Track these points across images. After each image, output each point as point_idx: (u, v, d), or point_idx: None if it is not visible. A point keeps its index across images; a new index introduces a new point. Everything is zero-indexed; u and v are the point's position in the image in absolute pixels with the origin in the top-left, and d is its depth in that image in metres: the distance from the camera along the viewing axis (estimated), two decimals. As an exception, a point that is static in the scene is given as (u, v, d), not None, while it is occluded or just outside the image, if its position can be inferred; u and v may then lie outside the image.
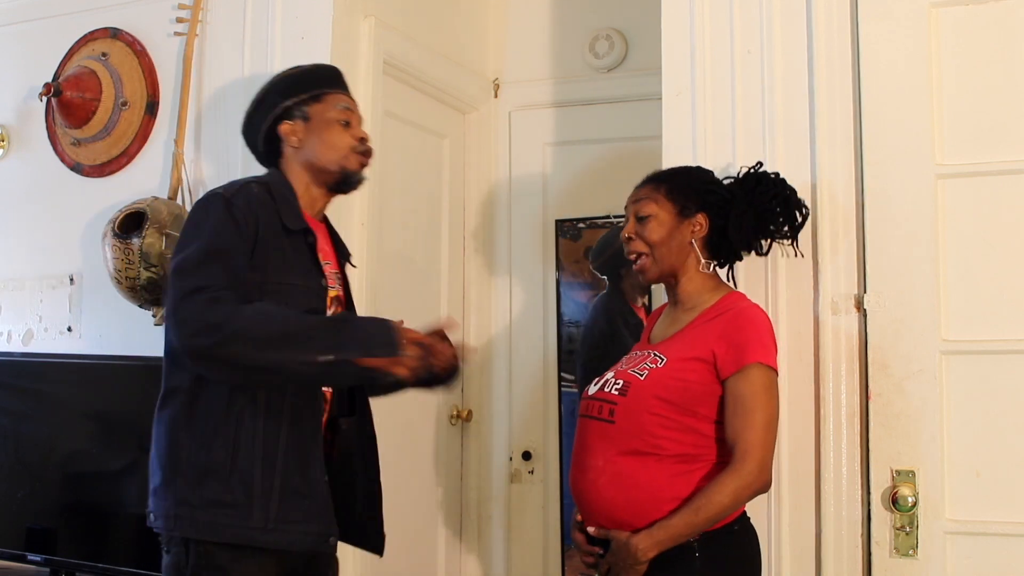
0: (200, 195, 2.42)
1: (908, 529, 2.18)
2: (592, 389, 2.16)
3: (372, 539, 2.28)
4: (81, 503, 2.89)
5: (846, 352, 2.28)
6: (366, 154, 2.21)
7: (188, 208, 2.86)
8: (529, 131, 3.69)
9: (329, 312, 2.14)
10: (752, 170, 2.21)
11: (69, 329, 3.20)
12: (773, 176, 2.19)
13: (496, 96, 3.72)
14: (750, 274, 2.29)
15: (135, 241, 2.81)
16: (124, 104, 3.14)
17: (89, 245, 3.12)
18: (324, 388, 2.14)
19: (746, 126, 2.40)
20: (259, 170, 2.26)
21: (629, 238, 2.17)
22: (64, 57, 3.28)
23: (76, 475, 2.92)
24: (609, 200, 3.38)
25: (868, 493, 2.23)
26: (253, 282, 2.00)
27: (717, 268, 2.21)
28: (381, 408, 3.02)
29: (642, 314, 3.40)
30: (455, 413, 3.55)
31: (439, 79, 3.41)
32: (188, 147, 3.02)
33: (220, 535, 1.97)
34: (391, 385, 2.18)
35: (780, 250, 2.27)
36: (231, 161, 2.85)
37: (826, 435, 2.27)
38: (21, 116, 3.37)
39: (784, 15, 2.39)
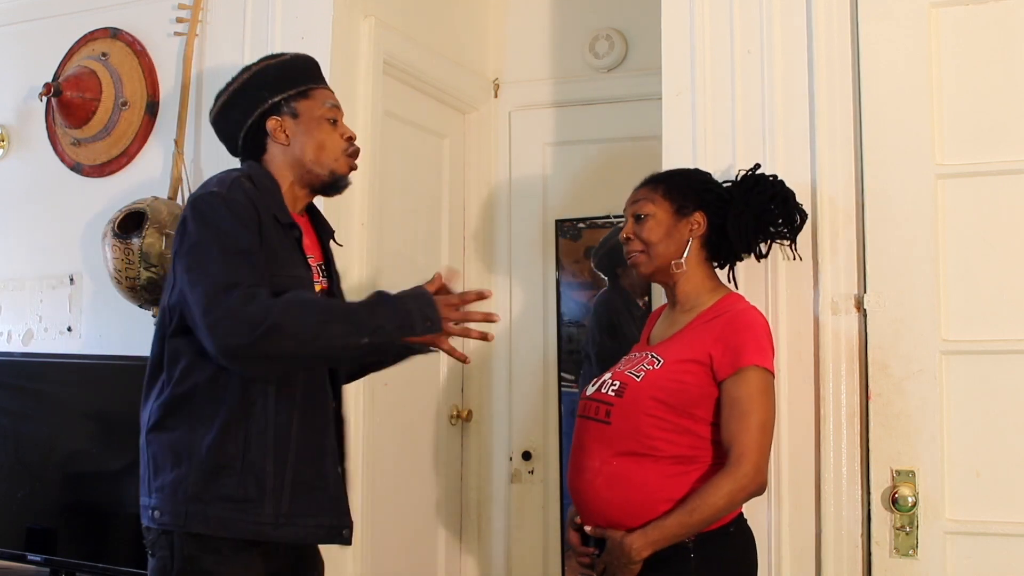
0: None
1: (908, 529, 2.18)
2: (590, 390, 2.16)
3: (338, 529, 2.19)
4: (81, 503, 2.89)
5: (846, 352, 2.28)
6: (354, 155, 2.17)
7: (188, 208, 2.86)
8: (529, 131, 3.69)
9: None
10: (750, 172, 2.22)
11: (69, 329, 3.20)
12: (771, 178, 2.20)
13: (496, 96, 3.72)
14: (750, 274, 2.29)
15: (135, 241, 2.81)
16: (124, 104, 3.14)
17: (89, 245, 3.12)
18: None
19: (746, 126, 2.40)
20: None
21: (628, 238, 2.18)
22: (64, 57, 3.28)
23: (76, 475, 2.92)
24: (609, 200, 3.38)
25: (868, 493, 2.23)
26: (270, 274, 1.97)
27: (717, 269, 2.22)
28: (381, 408, 3.04)
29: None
30: (455, 413, 3.55)
31: (439, 79, 3.41)
32: (188, 147, 3.02)
33: (232, 530, 1.95)
34: (405, 352, 2.19)
35: (780, 251, 2.27)
36: (231, 161, 2.84)
37: (826, 435, 2.27)
38: (21, 116, 3.37)
39: (784, 15, 2.39)
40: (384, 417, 3.06)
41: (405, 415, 3.27)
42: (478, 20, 3.71)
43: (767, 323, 2.12)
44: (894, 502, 2.19)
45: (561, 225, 3.63)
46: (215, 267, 1.92)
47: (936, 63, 2.27)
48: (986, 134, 2.24)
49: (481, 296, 2.03)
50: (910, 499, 2.17)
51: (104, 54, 3.19)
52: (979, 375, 2.19)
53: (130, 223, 2.86)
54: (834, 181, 2.32)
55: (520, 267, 3.66)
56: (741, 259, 2.22)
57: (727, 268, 2.23)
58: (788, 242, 2.22)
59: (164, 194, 2.99)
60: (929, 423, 2.19)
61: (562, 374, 3.58)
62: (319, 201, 2.26)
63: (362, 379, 2.44)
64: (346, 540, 2.07)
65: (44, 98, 3.14)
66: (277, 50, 2.83)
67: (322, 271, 2.18)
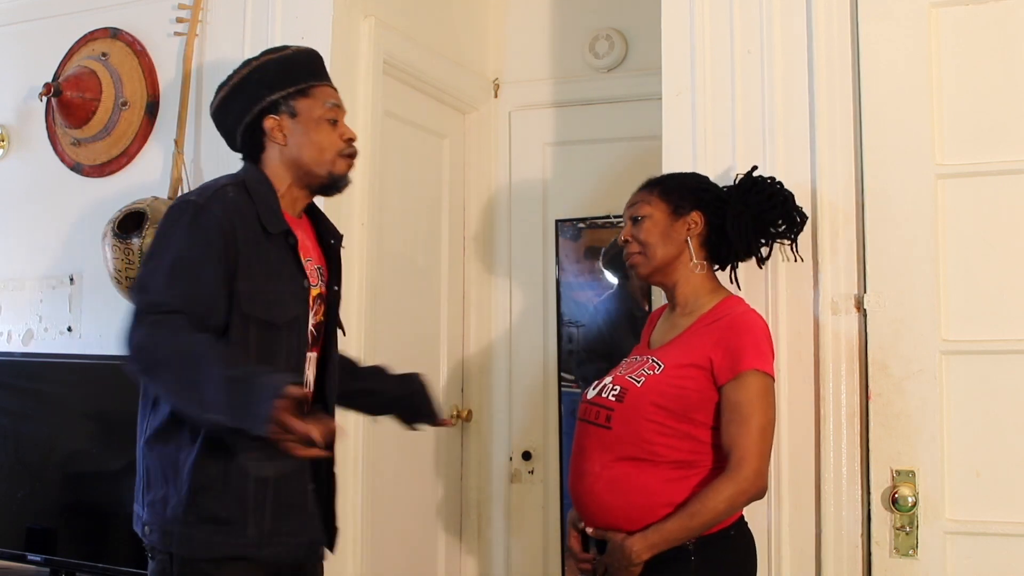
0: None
1: (908, 529, 2.18)
2: (590, 393, 2.16)
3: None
4: (81, 503, 2.89)
5: (846, 352, 2.28)
6: (353, 155, 2.14)
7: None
8: (529, 131, 3.69)
9: (312, 311, 2.10)
10: (748, 174, 2.22)
11: (69, 329, 3.20)
12: (769, 180, 2.20)
13: (496, 96, 3.72)
14: (750, 275, 2.29)
15: (135, 241, 2.81)
16: (124, 104, 3.14)
17: (89, 245, 3.12)
18: (308, 387, 2.11)
19: (746, 126, 2.40)
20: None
21: (626, 240, 2.19)
22: (64, 57, 3.28)
23: (76, 475, 2.92)
24: (609, 200, 3.39)
25: (868, 493, 2.23)
26: (243, 292, 1.95)
27: (718, 271, 2.21)
28: (381, 408, 3.03)
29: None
30: (455, 413, 3.55)
31: (439, 79, 3.41)
32: (188, 147, 3.02)
33: (214, 551, 1.95)
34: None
35: (780, 252, 2.27)
36: (231, 161, 2.83)
37: (826, 435, 2.27)
38: (21, 116, 3.37)
39: (784, 15, 2.39)
40: (384, 417, 3.06)
41: (405, 415, 3.27)
42: (478, 20, 3.71)
43: (767, 326, 2.12)
44: (894, 502, 2.19)
45: (561, 225, 3.63)
46: (154, 282, 1.93)
47: (936, 63, 2.27)
48: (986, 134, 2.24)
49: (330, 432, 1.82)
50: (910, 499, 2.17)
51: (104, 54, 3.19)
52: (979, 375, 2.19)
53: (130, 223, 2.86)
54: (834, 181, 2.32)
55: (520, 267, 3.66)
56: (742, 260, 2.22)
57: (729, 270, 2.23)
58: (789, 242, 2.22)
59: (164, 194, 2.99)
60: (929, 423, 2.19)
61: (562, 374, 3.58)
62: (319, 201, 2.25)
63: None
64: (321, 556, 2.06)
65: (44, 98, 3.14)
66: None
67: (320, 274, 2.17)
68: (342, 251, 2.26)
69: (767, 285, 2.33)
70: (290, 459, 1.82)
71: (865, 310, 2.26)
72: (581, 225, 3.61)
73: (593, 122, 3.62)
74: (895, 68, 2.29)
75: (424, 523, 3.40)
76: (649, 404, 2.04)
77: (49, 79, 3.21)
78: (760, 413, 2.01)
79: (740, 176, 2.23)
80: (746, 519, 2.11)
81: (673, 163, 2.41)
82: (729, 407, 2.02)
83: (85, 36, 3.27)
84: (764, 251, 2.19)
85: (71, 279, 3.22)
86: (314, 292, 2.13)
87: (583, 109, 3.64)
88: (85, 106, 3.14)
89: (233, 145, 2.18)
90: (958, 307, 2.21)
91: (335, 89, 2.18)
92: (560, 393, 3.58)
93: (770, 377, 2.05)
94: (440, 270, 3.51)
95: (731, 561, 2.07)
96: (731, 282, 2.22)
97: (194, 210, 1.97)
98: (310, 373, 2.13)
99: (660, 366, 2.08)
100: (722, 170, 2.37)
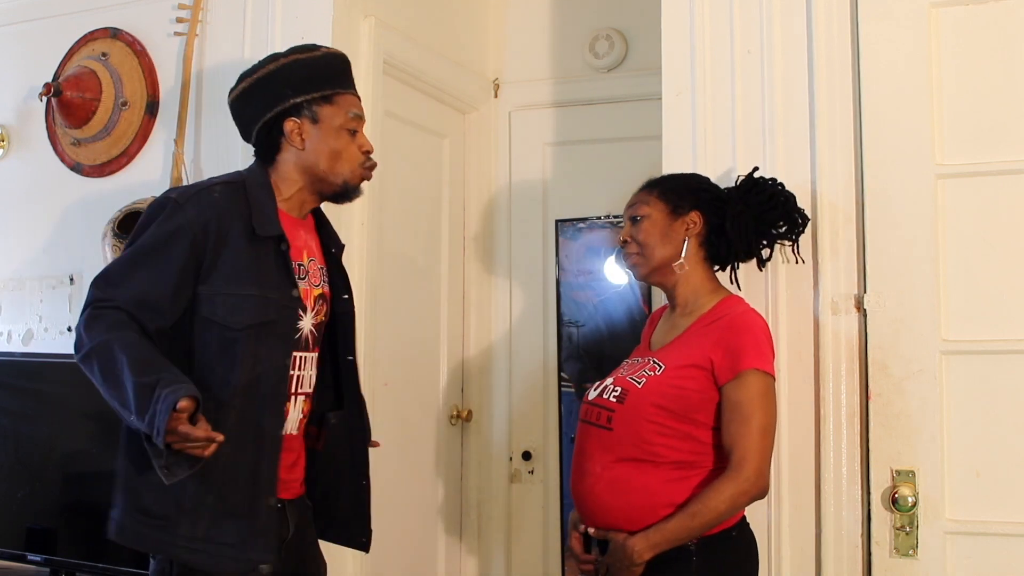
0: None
1: (908, 529, 2.18)
2: (592, 394, 2.16)
3: (356, 537, 2.22)
4: (81, 503, 2.89)
5: (846, 352, 2.28)
6: (370, 169, 2.14)
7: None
8: (529, 131, 3.69)
9: (310, 313, 2.09)
10: (749, 175, 2.22)
11: (69, 329, 3.20)
12: (770, 181, 2.20)
13: (496, 96, 3.72)
14: (750, 275, 2.29)
15: (135, 241, 2.81)
16: (124, 104, 3.14)
17: (89, 245, 3.12)
18: (303, 388, 2.11)
19: (746, 126, 2.40)
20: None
21: (624, 241, 2.19)
22: (64, 57, 3.28)
23: (76, 475, 2.91)
24: (609, 200, 3.39)
25: (868, 493, 2.23)
26: (202, 294, 1.95)
27: (718, 272, 2.21)
28: (382, 408, 3.03)
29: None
30: (455, 413, 3.55)
31: (439, 79, 3.41)
32: (188, 147, 3.02)
33: (145, 546, 1.95)
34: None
35: (781, 254, 2.27)
36: (231, 161, 2.85)
37: (826, 435, 2.27)
38: (21, 116, 3.37)
39: (784, 15, 2.39)
40: (384, 417, 3.06)
41: (405, 415, 3.27)
42: (478, 20, 3.71)
43: (767, 326, 2.12)
44: (894, 502, 2.19)
45: (561, 225, 3.63)
46: (106, 277, 1.95)
47: (936, 63, 2.27)
48: (986, 134, 2.24)
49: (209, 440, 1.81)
50: (910, 499, 2.17)
51: (104, 54, 3.19)
52: (979, 375, 2.19)
53: (130, 223, 2.86)
54: (834, 181, 2.32)
55: (520, 267, 3.66)
56: (742, 260, 2.22)
57: (729, 271, 2.23)
58: (790, 243, 2.22)
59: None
60: (929, 423, 2.19)
61: (562, 374, 3.58)
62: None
63: (362, 379, 2.44)
64: (264, 575, 1.96)
65: (44, 98, 3.14)
66: (277, 50, 2.84)
67: (323, 275, 2.17)
68: (349, 269, 2.27)
69: (767, 285, 2.33)
70: (197, 460, 1.84)
71: (865, 310, 2.26)
72: (581, 225, 3.61)
73: (593, 122, 3.62)
74: (895, 68, 2.29)
75: (424, 523, 3.40)
76: (650, 405, 2.04)
77: (49, 79, 3.21)
78: (761, 412, 2.01)
79: (741, 177, 2.23)
80: (748, 521, 2.11)
81: (673, 163, 2.41)
82: (730, 407, 2.02)
83: (85, 36, 3.27)
84: (765, 252, 2.19)
85: (71, 279, 3.22)
86: (315, 292, 2.12)
87: (583, 109, 3.64)
88: (85, 106, 3.13)
89: (247, 137, 2.16)
90: (958, 307, 2.21)
91: (359, 98, 2.17)
92: (560, 393, 3.58)
93: (770, 376, 2.04)
94: (440, 270, 3.51)
95: (732, 561, 2.07)
96: (731, 282, 2.22)
97: (170, 208, 1.97)
98: (305, 373, 2.11)
99: (661, 367, 2.08)
100: (722, 170, 2.37)
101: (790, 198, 2.19)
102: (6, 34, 3.43)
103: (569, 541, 2.18)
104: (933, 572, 2.17)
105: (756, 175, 2.22)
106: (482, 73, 3.68)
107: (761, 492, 2.01)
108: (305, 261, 2.11)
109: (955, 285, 2.22)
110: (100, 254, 2.93)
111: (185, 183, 2.98)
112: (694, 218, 2.15)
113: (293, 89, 2.07)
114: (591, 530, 2.09)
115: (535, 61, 3.69)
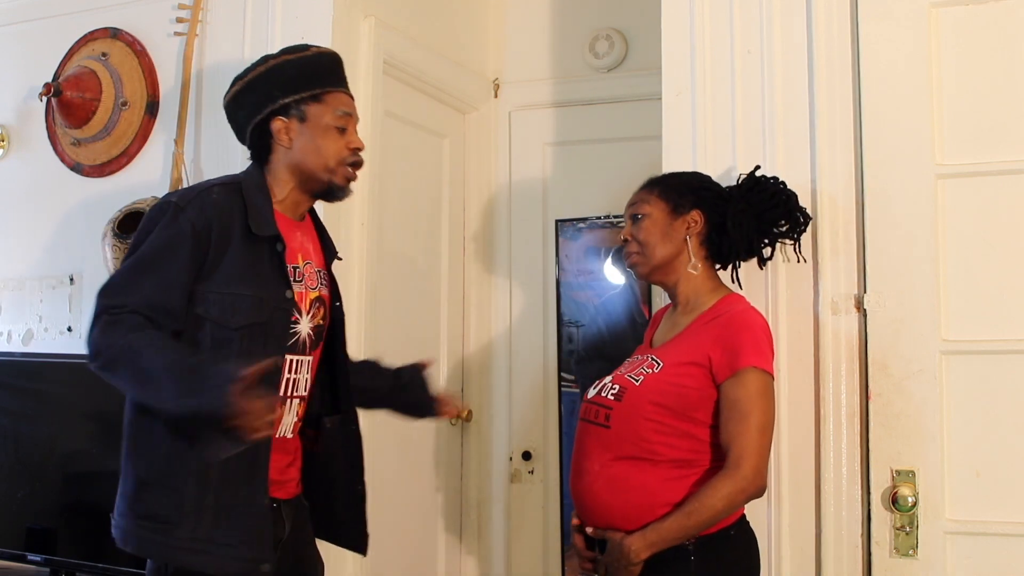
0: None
1: (908, 529, 2.18)
2: (591, 393, 2.16)
3: (353, 539, 2.22)
4: (81, 503, 2.89)
5: (846, 352, 2.28)
6: (355, 166, 2.12)
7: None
8: (529, 131, 3.69)
9: (307, 315, 2.09)
10: (751, 174, 2.22)
11: (69, 329, 3.20)
12: (771, 180, 2.20)
13: (496, 96, 3.72)
14: (750, 274, 2.29)
15: (135, 241, 2.81)
16: (124, 104, 3.14)
17: (89, 245, 3.12)
18: (297, 391, 2.10)
19: (746, 126, 2.40)
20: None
21: (625, 240, 2.19)
22: (64, 57, 3.28)
23: (76, 475, 2.91)
24: (609, 200, 3.39)
25: (868, 493, 2.23)
26: (198, 293, 1.95)
27: (720, 271, 2.21)
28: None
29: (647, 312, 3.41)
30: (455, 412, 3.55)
31: (439, 79, 3.41)
32: (188, 147, 3.02)
33: (146, 551, 1.95)
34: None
35: (781, 253, 2.27)
36: (231, 161, 2.85)
37: (826, 435, 2.27)
38: (21, 116, 3.37)
39: (784, 15, 2.39)
40: (384, 417, 3.06)
41: (405, 415, 3.27)
42: (478, 20, 3.71)
43: (766, 324, 2.11)
44: (894, 502, 2.19)
45: (561, 225, 3.63)
46: (114, 283, 1.95)
47: (936, 63, 2.27)
48: (986, 134, 2.24)
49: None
50: (910, 499, 2.17)
51: (104, 54, 3.19)
52: (979, 375, 2.19)
53: (130, 223, 2.86)
54: (834, 181, 2.32)
55: (520, 267, 3.66)
56: (743, 259, 2.22)
57: (731, 270, 2.23)
58: (791, 242, 2.22)
59: (164, 194, 2.99)
60: (929, 423, 2.19)
61: (562, 374, 3.58)
62: (319, 206, 2.25)
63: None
64: (265, 574, 1.97)
65: (44, 98, 3.14)
66: (277, 50, 2.83)
67: (321, 278, 2.17)
68: (340, 260, 2.26)
69: (767, 285, 2.33)
70: (242, 444, 1.82)
71: (865, 310, 2.26)
72: (581, 225, 3.61)
73: (593, 122, 3.62)
74: (895, 68, 2.29)
75: (424, 523, 3.40)
76: (648, 403, 2.04)
77: (49, 79, 3.21)
78: (759, 411, 2.00)
79: (743, 176, 2.23)
80: (748, 520, 2.11)
81: (673, 163, 2.41)
82: (728, 404, 2.01)
83: (85, 36, 3.27)
84: (767, 252, 2.19)
85: (71, 279, 3.22)
86: (312, 295, 2.12)
87: (583, 109, 3.64)
88: (85, 106, 3.14)
89: (243, 140, 2.17)
90: (958, 307, 2.21)
91: (351, 96, 2.16)
92: (560, 393, 3.57)
93: (769, 375, 2.04)
94: (440, 270, 3.51)
95: (731, 560, 2.06)
96: (732, 281, 2.23)
97: (171, 212, 1.97)
98: (299, 376, 2.11)
99: (659, 364, 2.08)
100: (722, 170, 2.37)
101: (792, 197, 2.19)
102: (6, 34, 3.43)
103: (572, 538, 2.18)
104: (933, 572, 2.17)
105: (758, 174, 2.22)
106: (482, 73, 3.68)
107: (759, 491, 2.01)
108: (300, 264, 2.11)
109: (955, 285, 2.22)
110: (100, 254, 2.93)
111: (185, 183, 2.98)
112: (695, 217, 2.15)
113: (282, 89, 2.07)
114: (589, 530, 2.09)
115: (535, 61, 3.69)
